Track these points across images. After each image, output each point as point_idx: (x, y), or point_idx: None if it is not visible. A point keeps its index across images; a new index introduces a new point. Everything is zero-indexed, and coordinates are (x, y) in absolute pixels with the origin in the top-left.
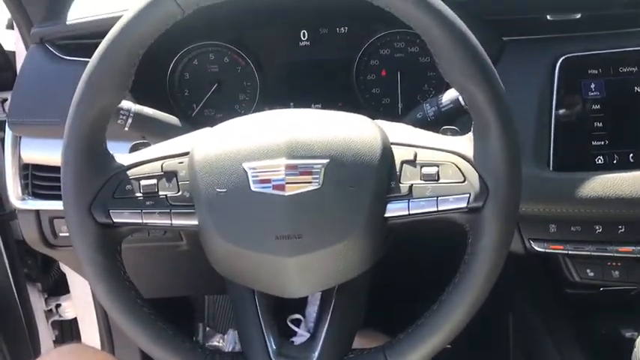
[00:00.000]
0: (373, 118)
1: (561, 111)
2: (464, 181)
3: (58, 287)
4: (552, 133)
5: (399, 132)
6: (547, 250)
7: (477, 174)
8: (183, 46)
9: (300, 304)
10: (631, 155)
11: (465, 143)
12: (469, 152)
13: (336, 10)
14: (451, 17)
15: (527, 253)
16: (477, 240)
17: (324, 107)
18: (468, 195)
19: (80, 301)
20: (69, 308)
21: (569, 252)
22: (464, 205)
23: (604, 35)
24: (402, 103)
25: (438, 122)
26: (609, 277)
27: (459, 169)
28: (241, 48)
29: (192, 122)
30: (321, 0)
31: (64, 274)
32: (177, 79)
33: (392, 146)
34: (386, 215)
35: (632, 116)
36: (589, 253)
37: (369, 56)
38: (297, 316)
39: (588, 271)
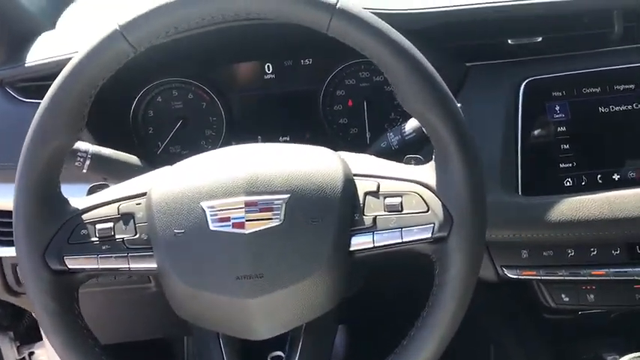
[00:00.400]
0: (341, 148)
1: (527, 134)
2: (427, 211)
3: (31, 335)
4: (519, 158)
5: (362, 163)
6: (520, 277)
7: (440, 203)
8: (145, 84)
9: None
10: (599, 176)
11: (427, 172)
12: (432, 181)
13: (299, 42)
14: (405, 46)
15: (500, 281)
16: (443, 271)
17: (292, 139)
18: (433, 225)
19: None
20: (42, 356)
21: (543, 277)
22: (428, 235)
23: (567, 57)
24: (369, 132)
25: (402, 151)
26: (585, 302)
27: (423, 198)
28: (205, 83)
29: (158, 160)
30: (281, 33)
31: (36, 321)
32: (141, 117)
33: (355, 178)
34: (351, 249)
35: (597, 137)
36: (562, 277)
37: (334, 87)
38: (279, 353)
39: (563, 296)
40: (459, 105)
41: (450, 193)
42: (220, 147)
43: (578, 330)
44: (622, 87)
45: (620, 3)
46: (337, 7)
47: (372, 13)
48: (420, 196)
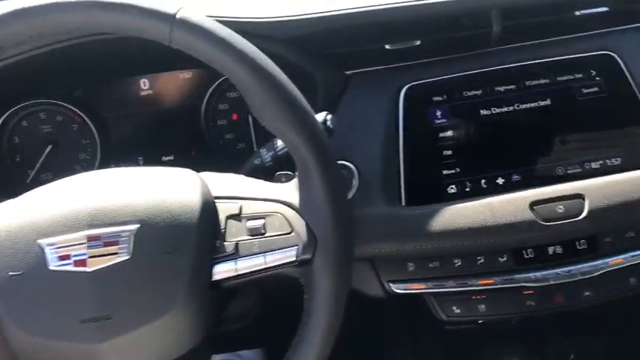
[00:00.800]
0: (228, 165)
1: (409, 142)
2: (291, 233)
3: None
4: (402, 167)
5: (224, 184)
6: (407, 291)
7: (304, 223)
8: (7, 108)
9: None
10: (483, 181)
11: (290, 191)
12: (295, 200)
13: (175, 54)
14: (256, 57)
15: (388, 296)
16: (311, 296)
17: (176, 159)
18: (297, 247)
19: None
20: None
21: (430, 290)
22: (293, 258)
23: (446, 60)
24: (257, 146)
25: (276, 167)
26: (476, 312)
27: (287, 219)
28: (74, 104)
29: (29, 190)
30: (155, 45)
31: None
32: (6, 144)
33: (215, 201)
34: (214, 279)
35: (480, 140)
36: (450, 289)
37: (216, 100)
38: None
39: (454, 308)
40: (329, 116)
41: (312, 212)
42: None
43: (479, 337)
44: (503, 88)
45: (498, 2)
46: (177, 17)
47: (219, 21)
48: (284, 216)
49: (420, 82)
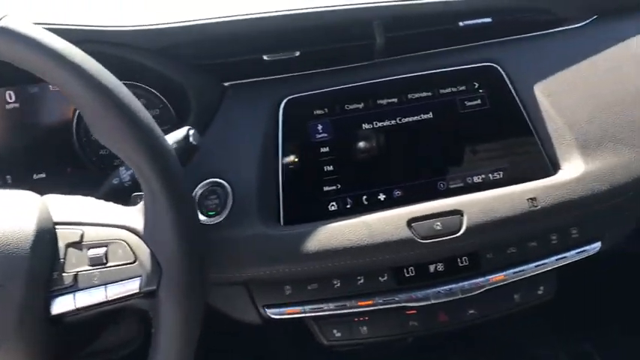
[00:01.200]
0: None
1: (289, 158)
2: (134, 262)
3: None
4: (281, 184)
5: (66, 209)
6: (284, 317)
7: (148, 251)
8: None
9: None
10: (364, 197)
11: (135, 215)
12: (139, 225)
13: None
14: (90, 68)
15: (264, 322)
16: (157, 330)
17: (49, 176)
18: (140, 277)
19: None
20: None
21: (308, 314)
22: (136, 290)
23: (328, 72)
24: None
25: (135, 188)
26: (358, 335)
27: (130, 246)
28: None
29: None
30: None
31: None
32: None
33: (56, 227)
34: (53, 313)
35: (361, 155)
36: (329, 312)
37: None
38: None
39: (335, 331)
40: (192, 131)
41: (157, 239)
42: None
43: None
44: (385, 101)
45: (380, 13)
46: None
47: (62, 29)
48: (128, 244)
49: (300, 94)
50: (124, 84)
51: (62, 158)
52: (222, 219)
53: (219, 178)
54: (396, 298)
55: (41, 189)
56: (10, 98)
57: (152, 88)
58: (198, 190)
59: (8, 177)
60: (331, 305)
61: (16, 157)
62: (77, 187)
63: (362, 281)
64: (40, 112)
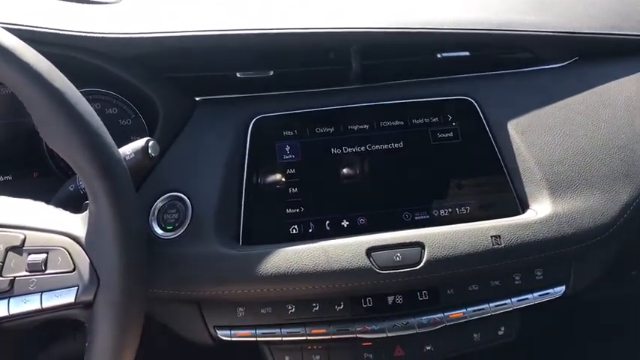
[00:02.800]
0: None
1: (254, 176)
2: (73, 270)
3: None
4: (243, 202)
5: (11, 211)
6: (234, 339)
7: (88, 260)
8: None
9: None
10: (327, 222)
11: (79, 223)
12: (82, 233)
13: None
14: (41, 67)
15: (215, 343)
16: (90, 342)
17: (15, 179)
18: (77, 287)
19: None
20: None
21: (259, 338)
22: (71, 300)
23: (301, 94)
24: None
25: None
26: None
27: (70, 254)
28: None
29: None
30: None
31: None
32: None
33: None
34: None
35: (328, 180)
36: (280, 338)
37: None
38: None
39: (287, 358)
40: (151, 142)
41: (98, 248)
42: None
43: None
44: (356, 127)
45: (357, 39)
46: None
47: (12, 29)
48: (68, 251)
49: (271, 114)
50: (98, 92)
51: (29, 162)
52: (179, 234)
53: (181, 192)
54: (351, 329)
55: (6, 191)
56: None
57: (125, 98)
58: (158, 204)
59: None
60: (284, 331)
61: None
62: (42, 192)
63: (317, 308)
64: (9, 115)
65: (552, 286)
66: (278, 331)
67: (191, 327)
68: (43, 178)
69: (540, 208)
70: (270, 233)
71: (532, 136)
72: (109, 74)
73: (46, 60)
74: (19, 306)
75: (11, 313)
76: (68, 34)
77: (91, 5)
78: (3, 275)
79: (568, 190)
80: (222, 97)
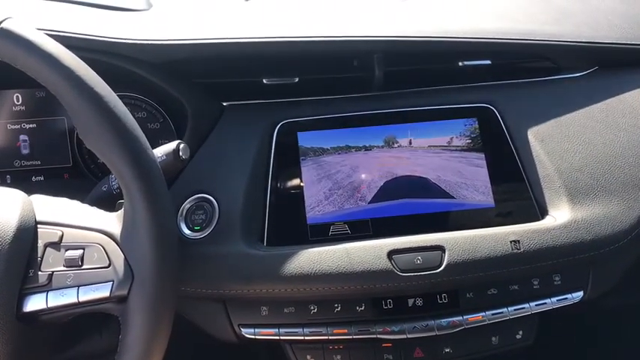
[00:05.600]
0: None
1: (278, 180)
2: (109, 266)
3: None
4: (268, 205)
5: (50, 209)
6: (258, 337)
7: (123, 257)
8: None
9: None
10: (349, 225)
11: (113, 221)
12: (117, 231)
13: None
14: (84, 75)
15: (240, 341)
16: (124, 335)
17: (46, 180)
18: (112, 282)
19: None
20: None
21: (282, 337)
22: (107, 294)
23: (324, 100)
24: None
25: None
26: None
27: (106, 251)
28: None
29: None
30: None
31: None
32: None
33: (38, 227)
34: (25, 310)
35: (351, 184)
36: (302, 337)
37: None
38: None
39: (309, 357)
40: (182, 145)
41: (133, 246)
42: None
43: None
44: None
45: (380, 47)
46: (1, 26)
47: (64, 36)
48: (104, 248)
49: (296, 119)
50: (128, 96)
51: (61, 164)
52: (206, 234)
53: (208, 194)
54: (372, 330)
55: (37, 192)
56: (18, 100)
57: (154, 102)
58: (187, 205)
59: (8, 177)
60: (306, 330)
61: (16, 158)
62: (72, 193)
63: (339, 309)
64: (43, 117)
65: (570, 292)
66: (300, 330)
67: (217, 325)
68: (73, 180)
69: (559, 215)
70: (294, 235)
71: (552, 143)
72: (139, 79)
73: (86, 65)
74: (57, 299)
75: (49, 305)
76: (102, 40)
77: (122, 12)
78: (42, 270)
79: (587, 197)
80: (249, 102)
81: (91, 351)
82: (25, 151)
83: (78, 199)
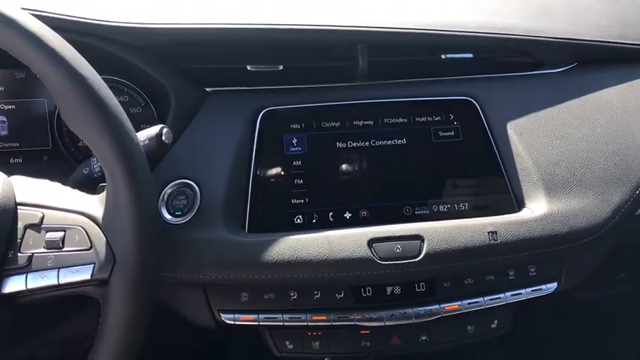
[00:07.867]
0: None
1: (261, 167)
2: (90, 249)
3: None
4: (250, 192)
5: (30, 191)
6: (237, 323)
7: (105, 240)
8: None
9: None
10: (331, 214)
11: (96, 203)
12: (99, 213)
13: None
14: (68, 55)
15: (219, 327)
16: (104, 318)
17: (25, 162)
18: (93, 265)
19: None
20: None
21: (262, 323)
22: (87, 277)
23: (309, 89)
24: None
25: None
26: (309, 349)
27: (87, 233)
28: None
29: None
30: None
31: None
32: None
33: (18, 208)
34: (3, 292)
35: (332, 173)
36: (282, 323)
37: None
38: None
39: (287, 343)
40: (165, 130)
41: (115, 228)
42: None
43: None
44: (361, 122)
45: (364, 37)
46: None
47: (50, 17)
48: (85, 230)
49: (279, 107)
50: (110, 78)
51: (40, 146)
52: (187, 220)
53: (190, 180)
54: (350, 317)
55: (16, 174)
56: None
57: (136, 86)
58: (168, 190)
59: None
60: (286, 317)
61: None
62: (52, 176)
63: (318, 296)
64: (23, 98)
65: (544, 283)
66: (280, 316)
67: (196, 310)
68: (53, 162)
69: (536, 207)
70: (275, 222)
71: (530, 137)
72: (122, 62)
73: (70, 46)
74: (37, 281)
75: (29, 287)
76: (86, 22)
77: None
78: (21, 251)
79: (563, 190)
80: (232, 88)
81: (71, 334)
82: (3, 132)
83: (58, 182)
